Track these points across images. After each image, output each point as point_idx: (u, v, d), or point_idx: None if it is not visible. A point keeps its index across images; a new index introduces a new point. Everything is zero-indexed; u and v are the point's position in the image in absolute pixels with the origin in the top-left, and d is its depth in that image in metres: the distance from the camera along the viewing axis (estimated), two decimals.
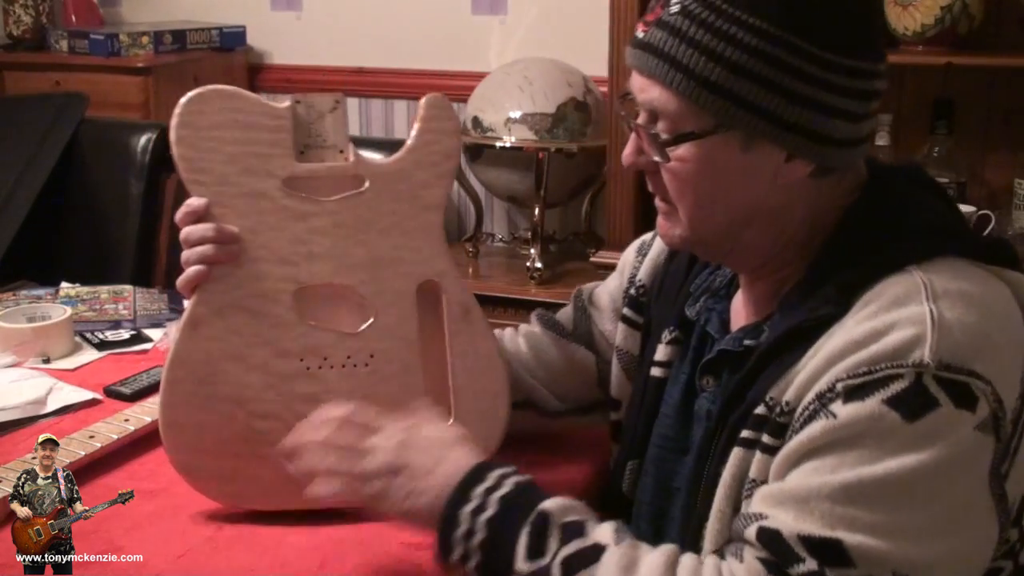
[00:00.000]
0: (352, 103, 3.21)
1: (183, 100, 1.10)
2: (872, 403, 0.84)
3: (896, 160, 1.06)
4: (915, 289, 0.88)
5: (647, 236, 1.23)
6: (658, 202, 1.02)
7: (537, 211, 2.73)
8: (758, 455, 0.92)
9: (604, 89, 2.57)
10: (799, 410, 0.89)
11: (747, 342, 1.01)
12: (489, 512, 0.92)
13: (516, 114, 2.66)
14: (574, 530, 0.92)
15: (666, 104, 0.94)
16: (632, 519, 1.14)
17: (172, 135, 1.10)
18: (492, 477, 0.95)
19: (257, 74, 3.29)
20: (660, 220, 1.03)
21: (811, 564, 0.83)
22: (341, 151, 1.13)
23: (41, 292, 1.81)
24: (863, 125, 0.95)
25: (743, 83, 0.90)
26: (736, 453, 0.94)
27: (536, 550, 0.90)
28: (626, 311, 1.21)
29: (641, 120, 0.97)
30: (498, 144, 2.66)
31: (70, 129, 2.17)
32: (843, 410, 0.85)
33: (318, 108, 1.13)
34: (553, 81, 2.69)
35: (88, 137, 2.19)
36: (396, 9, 3.10)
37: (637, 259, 1.22)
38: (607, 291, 1.26)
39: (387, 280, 1.13)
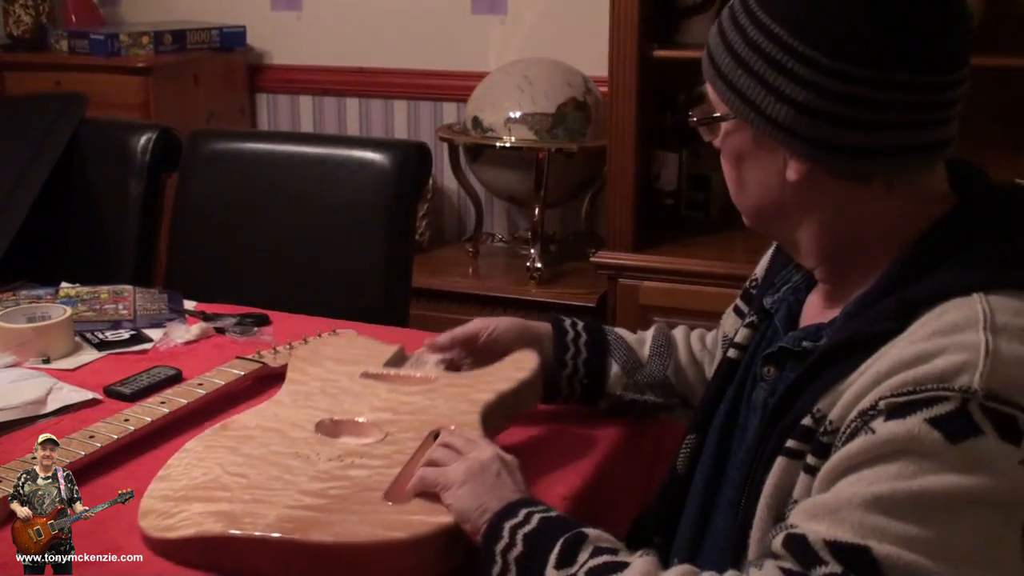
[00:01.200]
0: (352, 103, 3.22)
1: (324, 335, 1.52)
2: (914, 421, 0.82)
3: (1001, 179, 1.03)
4: (974, 317, 0.85)
5: None
6: None
7: (537, 211, 2.74)
8: (802, 476, 0.91)
9: (604, 89, 2.56)
10: (842, 428, 0.88)
11: (805, 343, 1.02)
12: (528, 527, 0.98)
13: (516, 114, 2.66)
14: (606, 549, 0.95)
15: (706, 88, 1.03)
16: (687, 501, 1.14)
17: (300, 351, 1.43)
18: (540, 506, 1.01)
19: (257, 74, 3.30)
20: None
21: (834, 567, 0.81)
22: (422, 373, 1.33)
23: (41, 292, 1.81)
24: (881, 135, 0.92)
25: (741, 75, 0.96)
26: (779, 463, 0.93)
27: (565, 561, 0.94)
28: (738, 302, 1.28)
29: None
30: (498, 144, 2.67)
31: (70, 129, 2.16)
32: (884, 427, 0.84)
33: (423, 359, 1.35)
34: (553, 81, 2.69)
35: (88, 137, 2.18)
36: (396, 9, 3.10)
37: (764, 259, 1.26)
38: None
39: (410, 421, 1.20)
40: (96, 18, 3.28)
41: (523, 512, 1.00)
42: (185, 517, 1.05)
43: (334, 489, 1.07)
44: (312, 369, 1.33)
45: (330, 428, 1.20)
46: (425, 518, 1.02)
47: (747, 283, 1.27)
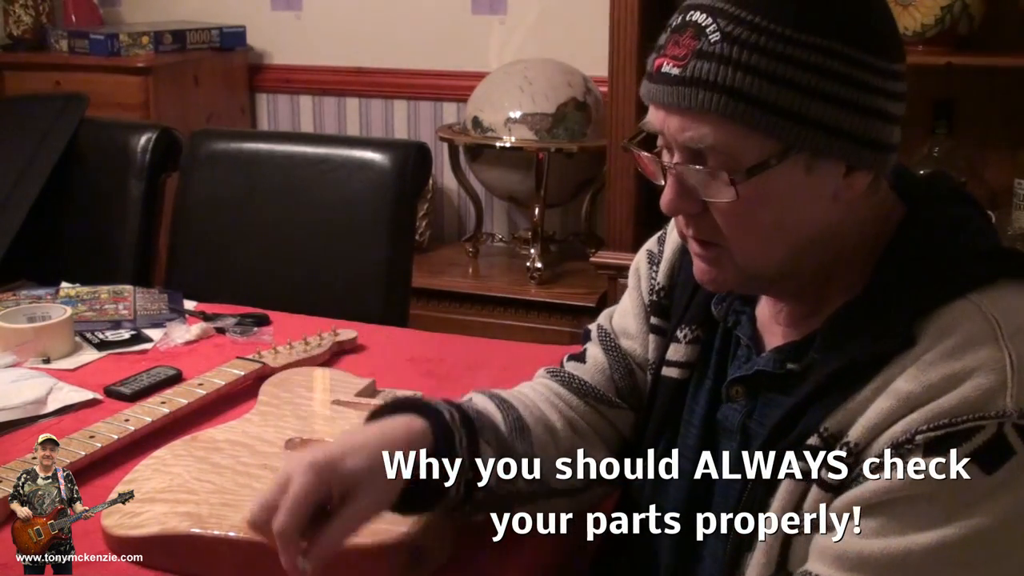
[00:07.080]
0: (352, 103, 3.22)
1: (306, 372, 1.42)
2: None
3: (919, 169, 1.02)
4: (987, 328, 0.85)
5: (652, 244, 1.17)
6: (698, 247, 0.95)
7: (537, 211, 2.74)
8: (815, 490, 0.89)
9: (604, 89, 2.56)
10: (870, 454, 0.86)
11: (790, 366, 0.96)
12: None
13: (516, 114, 2.66)
14: None
15: (723, 138, 0.87)
16: (657, 523, 1.04)
17: (271, 379, 1.38)
18: None
19: (257, 74, 3.30)
20: (703, 265, 0.96)
21: None
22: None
23: (41, 292, 1.81)
24: (894, 129, 0.92)
25: (806, 100, 0.85)
26: (786, 485, 0.91)
27: None
28: (654, 320, 1.13)
29: (678, 159, 0.91)
30: (498, 144, 2.67)
31: (70, 129, 2.16)
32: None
33: (394, 394, 1.35)
34: (553, 81, 2.69)
35: (88, 137, 2.18)
36: (396, 9, 3.10)
37: (651, 269, 1.15)
38: (631, 315, 1.16)
39: None
40: (96, 18, 3.28)
41: None
42: (150, 516, 1.05)
43: None
44: (283, 394, 1.33)
45: (299, 447, 1.19)
46: (390, 527, 1.01)
47: (652, 296, 1.13)
